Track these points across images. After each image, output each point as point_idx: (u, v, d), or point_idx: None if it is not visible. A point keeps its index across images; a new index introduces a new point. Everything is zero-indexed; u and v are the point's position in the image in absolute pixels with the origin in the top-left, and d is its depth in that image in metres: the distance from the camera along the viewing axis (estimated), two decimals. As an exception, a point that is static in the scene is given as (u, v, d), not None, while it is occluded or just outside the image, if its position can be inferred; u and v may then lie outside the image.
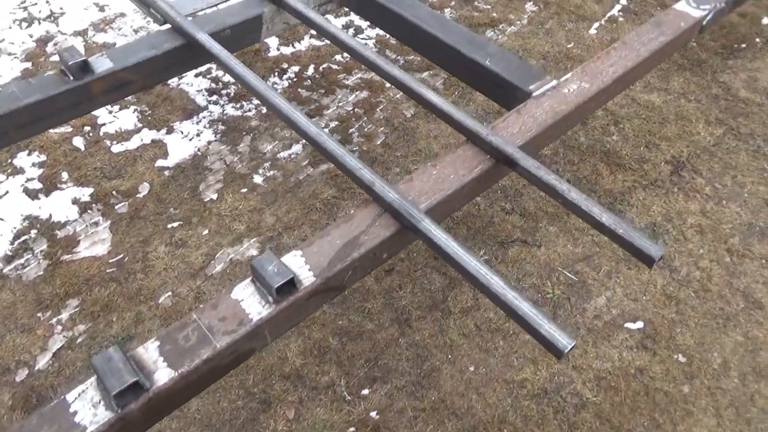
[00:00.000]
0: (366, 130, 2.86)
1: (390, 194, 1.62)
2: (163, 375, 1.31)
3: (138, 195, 2.52)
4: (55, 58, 3.13)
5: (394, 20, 2.43)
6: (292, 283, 1.44)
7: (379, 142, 2.80)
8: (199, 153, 2.70)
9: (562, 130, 2.06)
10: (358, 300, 2.21)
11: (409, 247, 2.39)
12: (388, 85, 3.10)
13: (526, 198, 2.56)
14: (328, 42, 3.36)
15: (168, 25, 2.24)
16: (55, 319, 2.10)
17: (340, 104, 2.98)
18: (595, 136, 2.83)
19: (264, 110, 2.92)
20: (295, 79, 3.11)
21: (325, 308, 2.18)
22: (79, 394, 1.27)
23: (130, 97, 2.88)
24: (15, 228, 2.37)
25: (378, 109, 2.96)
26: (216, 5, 2.43)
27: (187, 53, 2.19)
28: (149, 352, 1.34)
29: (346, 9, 2.72)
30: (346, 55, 3.27)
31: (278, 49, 3.29)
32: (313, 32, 3.42)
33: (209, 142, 2.75)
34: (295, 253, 1.54)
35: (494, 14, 3.58)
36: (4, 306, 2.14)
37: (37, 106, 1.96)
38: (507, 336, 2.12)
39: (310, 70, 3.16)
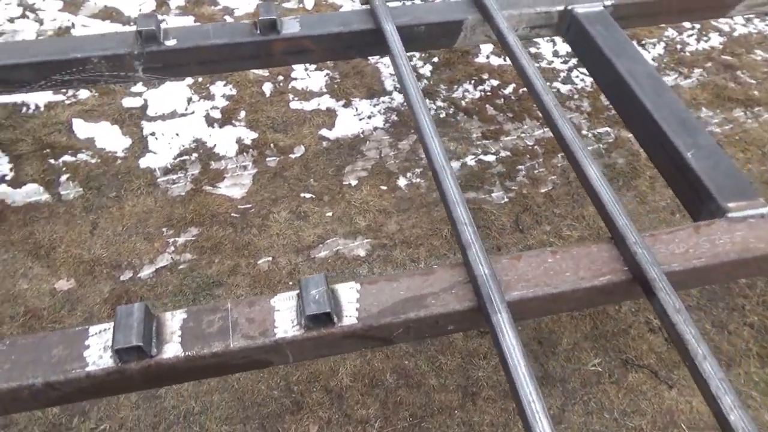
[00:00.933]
0: (535, 172, 2.56)
1: (481, 266, 1.38)
2: (172, 350, 1.29)
3: (290, 155, 2.59)
4: (287, 4, 3.34)
5: (603, 67, 2.08)
6: (328, 317, 1.32)
7: (542, 191, 2.48)
8: (362, 136, 2.67)
9: (748, 273, 1.57)
10: (435, 348, 2.01)
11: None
12: (584, 132, 2.73)
13: (684, 322, 2.07)
14: (543, 66, 3.07)
15: (368, 6, 2.20)
16: (172, 240, 2.27)
17: (522, 135, 2.71)
18: (817, 286, 2.17)
19: (441, 116, 2.78)
20: (489, 94, 2.90)
21: (397, 341, 2.02)
22: (99, 331, 1.31)
23: (328, 61, 2.96)
24: (183, 146, 2.60)
25: (560, 155, 2.62)
26: (424, -2, 2.32)
27: (371, 39, 2.12)
28: (173, 321, 1.34)
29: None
30: (553, 87, 2.95)
31: (487, 57, 3.10)
32: (532, 51, 3.14)
33: (375, 129, 2.70)
34: (353, 285, 1.41)
35: (755, 92, 2.92)
36: (144, 210, 2.37)
37: (221, 48, 2.06)
38: (576, 470, 1.76)
39: (509, 90, 2.92)
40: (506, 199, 2.44)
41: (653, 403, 1.89)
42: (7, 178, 2.46)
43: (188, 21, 3.18)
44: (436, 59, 3.07)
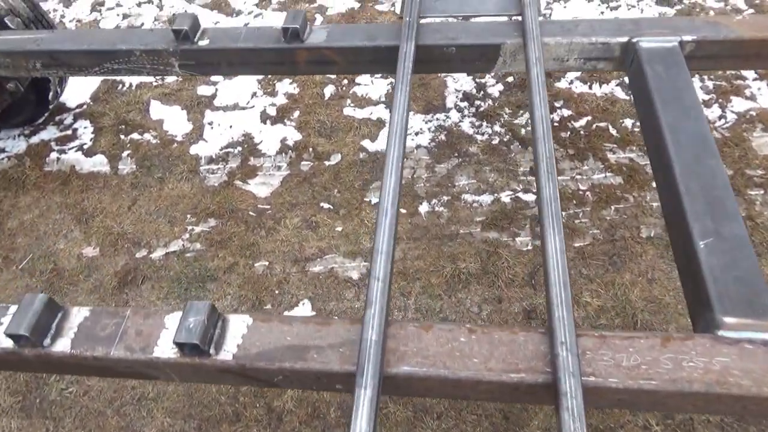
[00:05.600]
0: (576, 222, 2.24)
1: (371, 330, 1.24)
2: (61, 345, 1.35)
3: (325, 162, 2.56)
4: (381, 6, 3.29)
5: (647, 114, 1.74)
6: (197, 348, 1.28)
7: (576, 245, 2.17)
8: (401, 152, 2.55)
9: (713, 410, 1.21)
10: (385, 397, 1.88)
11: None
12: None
13: None
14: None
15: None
16: (191, 227, 2.39)
17: (577, 177, 2.38)
18: None
19: (494, 142, 2.54)
20: (556, 124, 2.59)
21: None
22: (14, 309, 1.42)
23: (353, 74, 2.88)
24: (232, 138, 2.71)
25: (612, 207, 2.26)
26: (465, 17, 2.13)
27: (394, 55, 2.00)
28: (75, 317, 1.39)
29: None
30: (630, 123, 2.54)
31: (571, 83, 2.76)
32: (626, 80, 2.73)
33: (418, 147, 2.56)
34: (245, 319, 1.36)
35: None
36: (178, 195, 2.51)
37: (247, 52, 2.09)
38: None
39: (581, 122, 2.57)
40: (530, 247, 2.17)
41: None
42: (85, 146, 2.77)
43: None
44: (511, 78, 2.82)
